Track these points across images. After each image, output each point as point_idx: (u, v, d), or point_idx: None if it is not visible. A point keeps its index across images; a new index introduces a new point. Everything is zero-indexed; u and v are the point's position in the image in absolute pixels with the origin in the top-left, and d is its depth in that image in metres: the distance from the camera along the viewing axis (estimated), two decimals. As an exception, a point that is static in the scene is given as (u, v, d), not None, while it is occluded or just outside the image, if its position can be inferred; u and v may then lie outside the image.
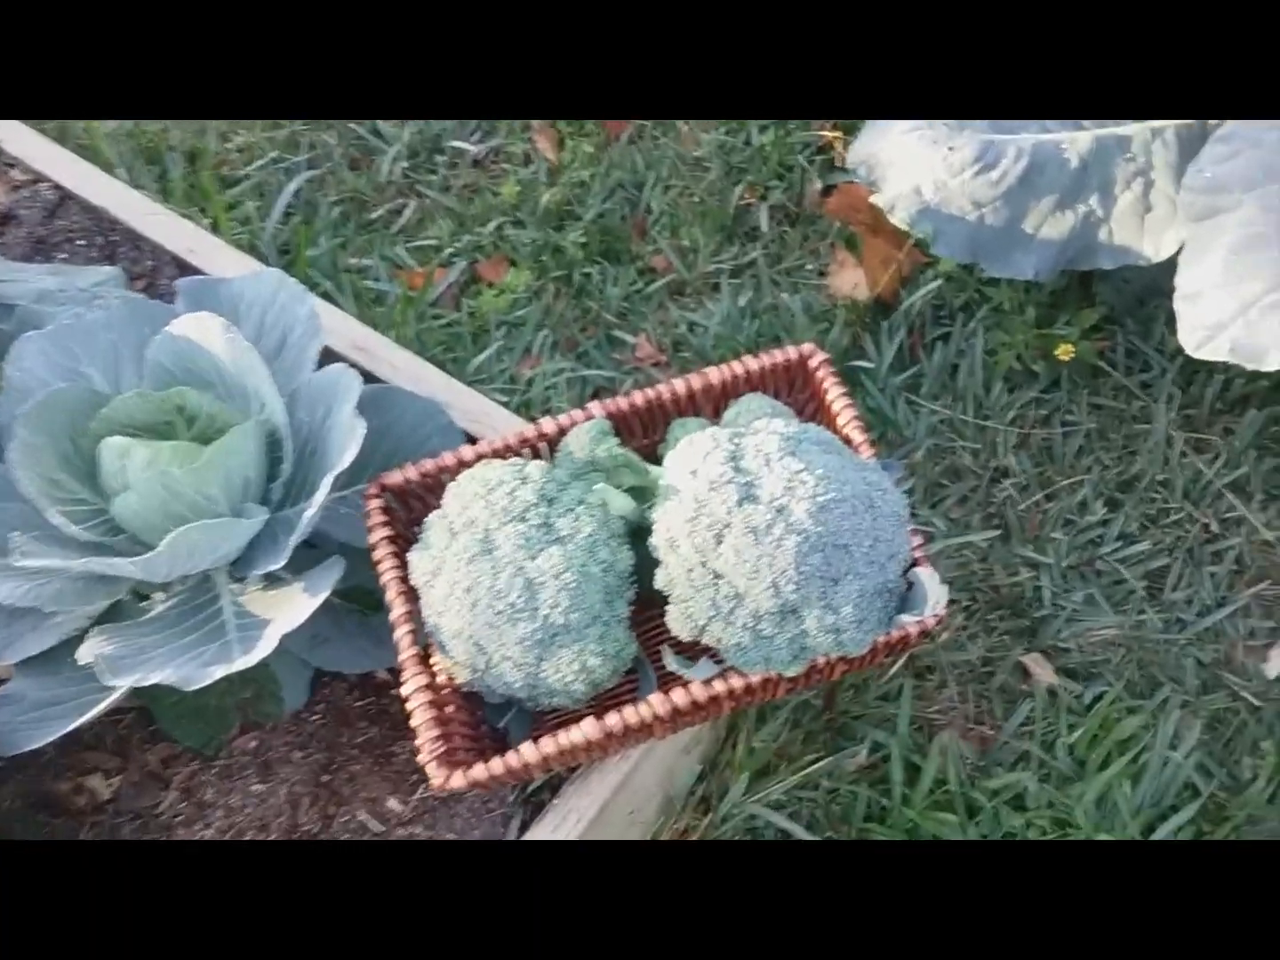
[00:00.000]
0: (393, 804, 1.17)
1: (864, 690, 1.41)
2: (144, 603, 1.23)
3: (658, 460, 1.31)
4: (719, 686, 1.05)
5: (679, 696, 1.04)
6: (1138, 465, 1.60)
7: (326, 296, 1.68)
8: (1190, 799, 1.33)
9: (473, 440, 1.42)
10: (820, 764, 1.32)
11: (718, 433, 1.07)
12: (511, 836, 1.16)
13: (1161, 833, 1.29)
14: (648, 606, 1.12)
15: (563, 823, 1.14)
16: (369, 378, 1.51)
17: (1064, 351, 1.59)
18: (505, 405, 1.58)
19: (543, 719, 1.19)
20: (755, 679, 1.05)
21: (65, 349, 1.23)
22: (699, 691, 1.04)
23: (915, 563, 1.09)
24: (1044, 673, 1.45)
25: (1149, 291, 1.68)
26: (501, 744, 1.19)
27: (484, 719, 1.18)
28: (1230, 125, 1.40)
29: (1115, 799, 1.31)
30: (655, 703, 1.04)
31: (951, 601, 1.45)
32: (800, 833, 1.28)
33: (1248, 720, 1.41)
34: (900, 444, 1.65)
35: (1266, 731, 1.40)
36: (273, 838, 1.12)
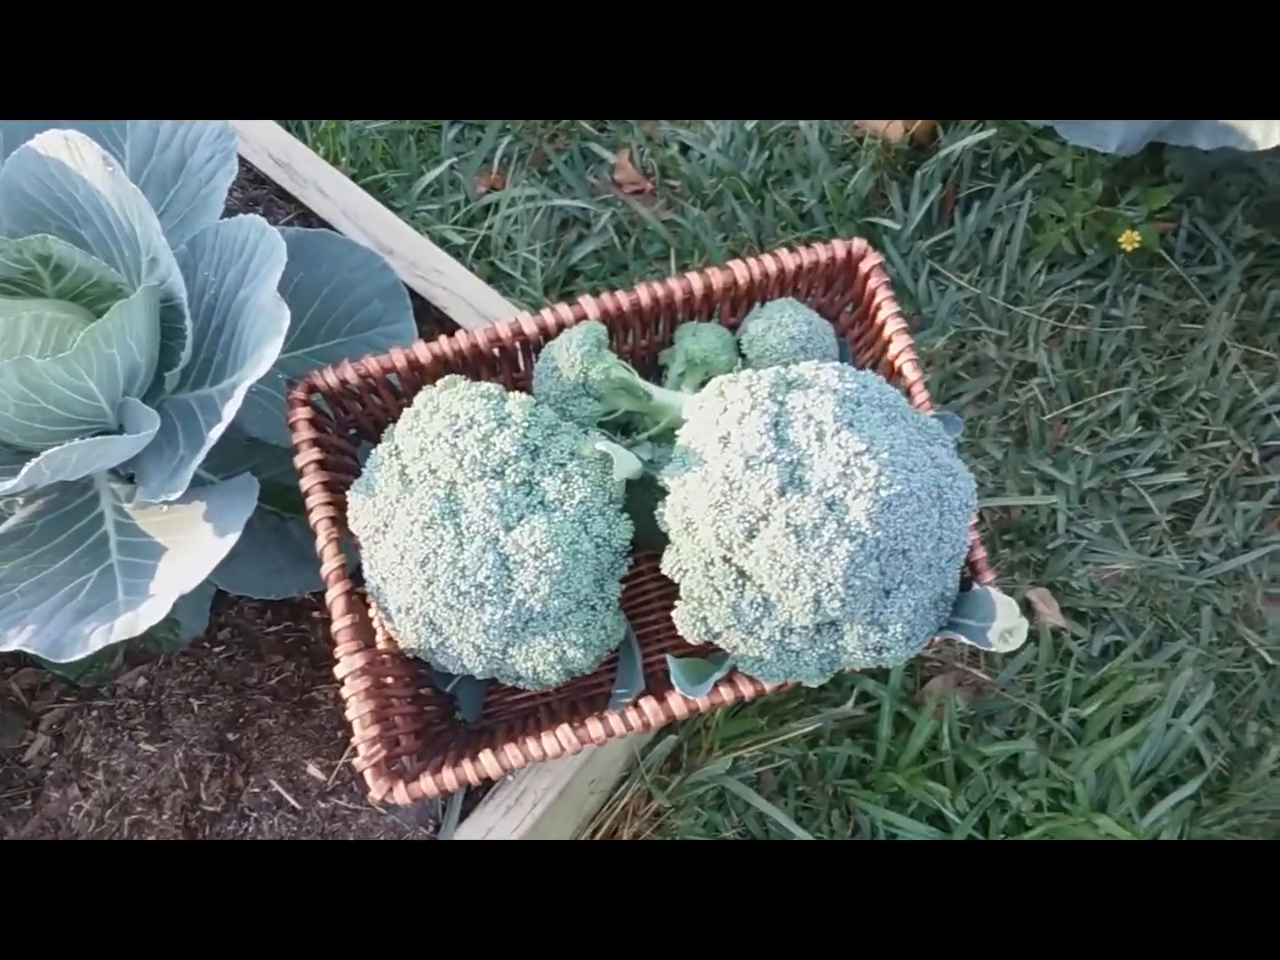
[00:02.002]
0: (313, 770, 0.98)
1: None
2: (1, 502, 0.98)
3: (658, 368, 1.07)
4: (724, 693, 0.86)
5: (676, 704, 0.85)
6: (1182, 376, 1.40)
7: (238, 81, 1.32)
8: (1194, 769, 1.23)
9: (419, 301, 1.16)
10: (802, 721, 1.17)
11: (755, 382, 0.83)
12: (455, 812, 0.99)
13: (1160, 808, 1.19)
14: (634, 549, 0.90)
15: (516, 804, 0.98)
16: (287, 199, 1.21)
17: (1128, 240, 1.35)
18: (462, 251, 1.30)
19: (498, 684, 1.00)
20: (768, 686, 0.87)
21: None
22: (700, 700, 0.86)
23: (973, 556, 0.90)
24: (1050, 612, 1.30)
25: (1227, 165, 1.43)
26: (447, 708, 1.00)
27: (428, 679, 0.99)
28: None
29: (1115, 767, 1.20)
30: (648, 711, 0.85)
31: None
32: (765, 805, 1.14)
33: (1260, 681, 1.29)
34: (918, 326, 1.42)
35: (1278, 694, 1.29)
36: (166, 816, 0.93)
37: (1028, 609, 1.31)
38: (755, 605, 0.80)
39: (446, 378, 0.88)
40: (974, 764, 1.18)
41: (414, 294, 1.14)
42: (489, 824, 0.97)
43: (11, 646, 0.82)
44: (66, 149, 0.92)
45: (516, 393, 0.86)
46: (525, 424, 0.84)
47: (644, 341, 1.04)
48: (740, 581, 0.80)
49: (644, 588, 1.05)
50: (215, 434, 0.87)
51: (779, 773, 1.18)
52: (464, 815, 0.99)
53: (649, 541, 0.91)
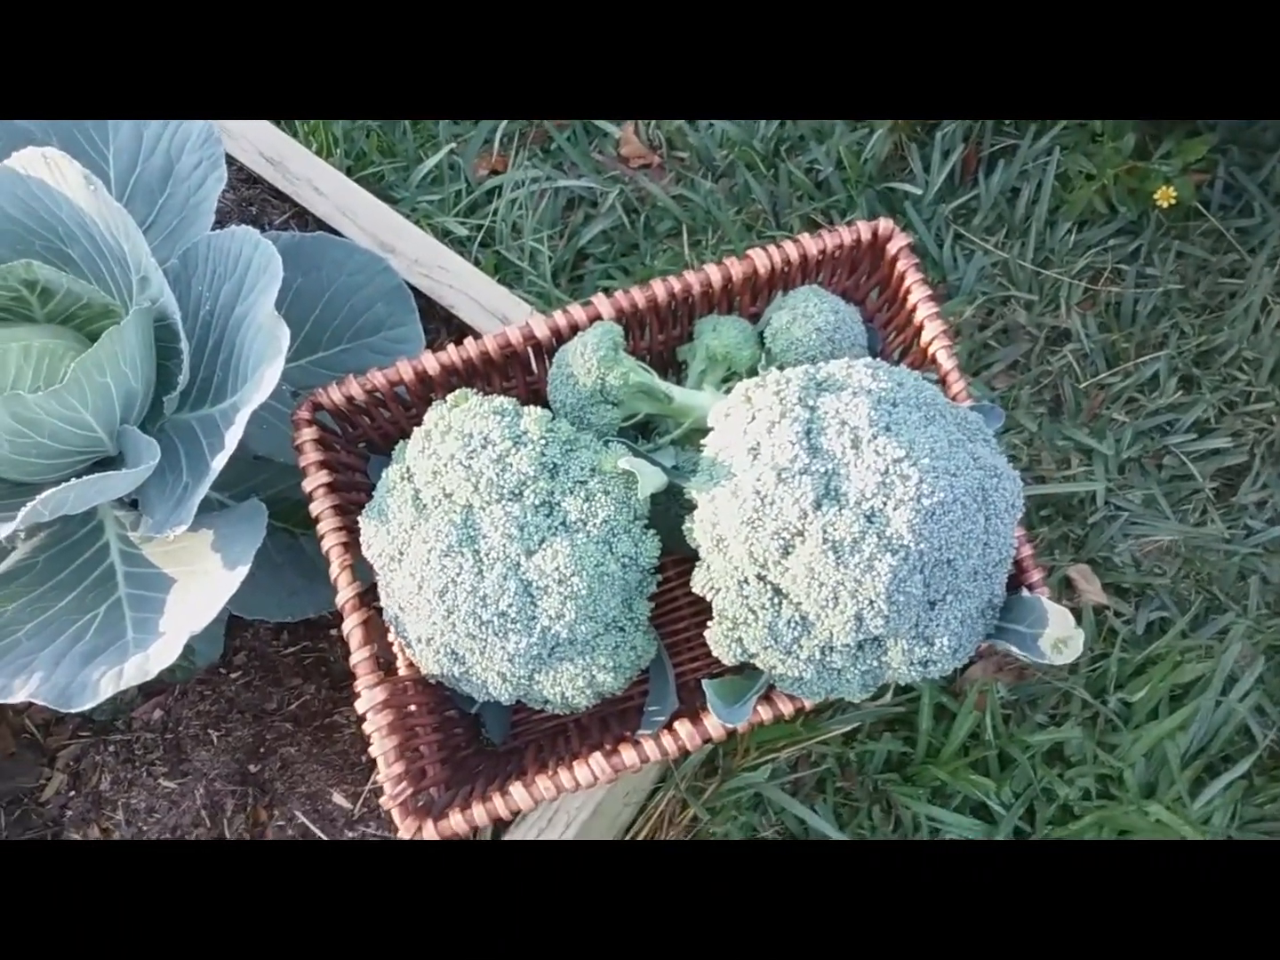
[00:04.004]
0: (338, 798, 0.95)
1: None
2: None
3: (677, 363, 1.02)
4: (763, 713, 0.83)
5: (713, 726, 0.82)
6: (1222, 335, 1.34)
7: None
8: (1246, 746, 1.19)
9: (424, 300, 1.11)
10: (839, 719, 1.13)
11: (784, 386, 0.78)
12: (486, 834, 0.96)
13: (1212, 789, 1.15)
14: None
15: (549, 826, 0.95)
16: (281, 198, 1.16)
17: (1163, 196, 1.28)
18: (466, 242, 1.25)
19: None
20: (808, 703, 0.83)
21: None
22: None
23: (1019, 554, 0.85)
24: (1092, 590, 1.26)
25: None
26: (473, 729, 0.97)
27: (453, 701, 0.95)
28: None
29: (1164, 750, 1.16)
30: (684, 735, 0.81)
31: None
32: (803, 811, 1.11)
33: (1310, 652, 1.25)
34: (944, 294, 1.36)
35: (1327, 664, 1.25)
36: (192, 856, 0.90)
37: (1068, 587, 1.26)
38: (793, 625, 0.76)
39: (457, 392, 0.84)
40: (1018, 753, 1.15)
41: (418, 293, 1.10)
42: (523, 845, 0.94)
43: (19, 697, 0.78)
44: (46, 167, 0.87)
45: (531, 407, 0.81)
46: (542, 441, 0.79)
47: (661, 337, 0.99)
48: (776, 600, 0.76)
49: (672, 594, 1.02)
50: (219, 462, 0.83)
51: (816, 770, 1.14)
52: (496, 835, 0.96)
53: (675, 547, 0.87)
